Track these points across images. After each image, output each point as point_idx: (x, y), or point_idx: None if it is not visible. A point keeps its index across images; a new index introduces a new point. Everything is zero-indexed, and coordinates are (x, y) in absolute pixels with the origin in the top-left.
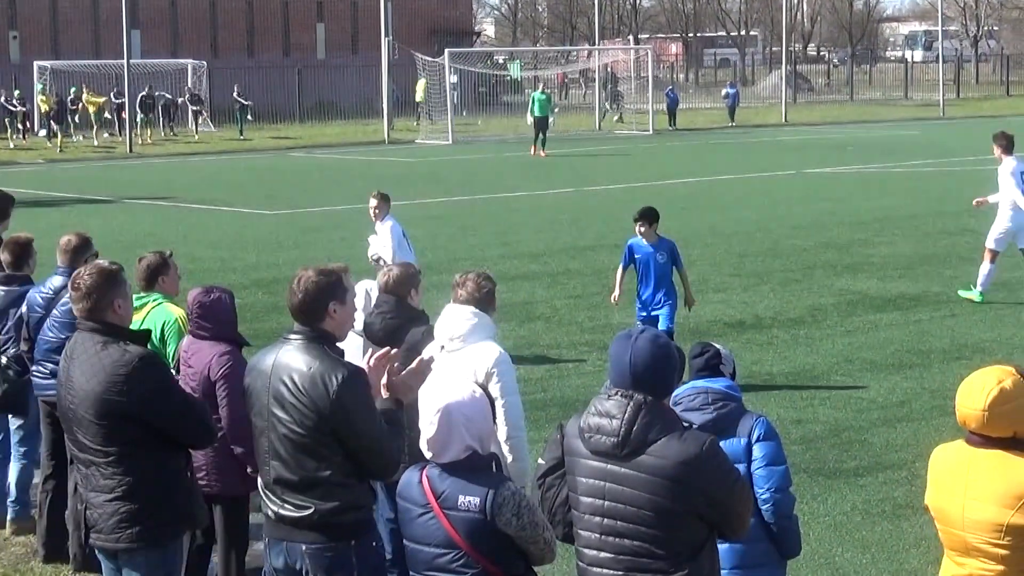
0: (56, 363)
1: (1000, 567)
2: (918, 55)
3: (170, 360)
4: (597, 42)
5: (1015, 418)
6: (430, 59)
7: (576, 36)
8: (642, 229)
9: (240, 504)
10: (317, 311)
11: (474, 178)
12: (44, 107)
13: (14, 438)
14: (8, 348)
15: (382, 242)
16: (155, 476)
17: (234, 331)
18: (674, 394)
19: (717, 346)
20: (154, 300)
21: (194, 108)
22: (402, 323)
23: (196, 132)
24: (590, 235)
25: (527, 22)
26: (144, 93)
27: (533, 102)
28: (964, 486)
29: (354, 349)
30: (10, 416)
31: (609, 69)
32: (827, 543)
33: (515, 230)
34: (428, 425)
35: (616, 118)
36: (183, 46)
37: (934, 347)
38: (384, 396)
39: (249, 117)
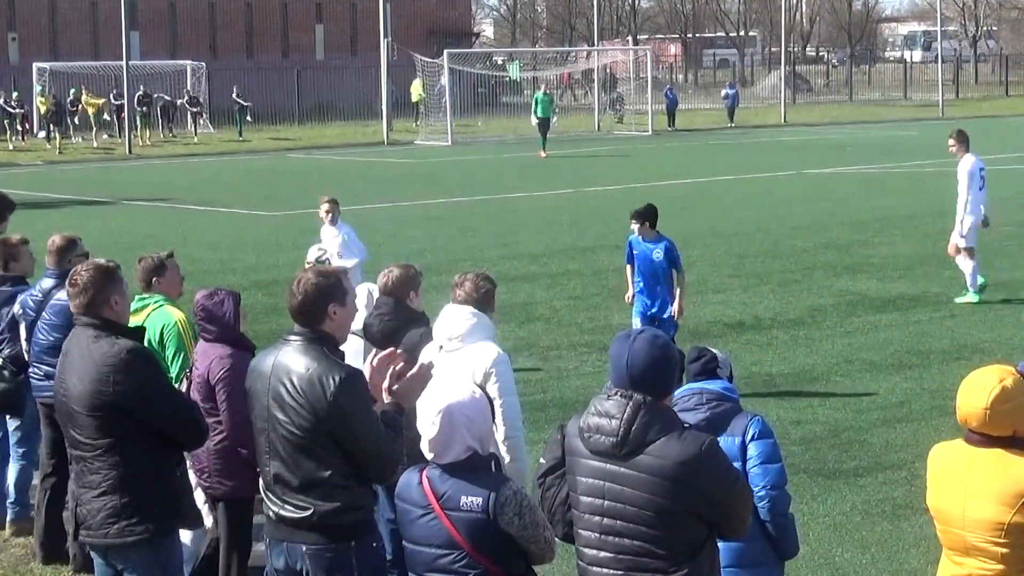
0: (50, 364)
1: (1000, 566)
2: (917, 55)
3: (170, 364)
4: (596, 43)
5: (1016, 416)
6: (429, 60)
7: (575, 37)
8: (635, 227)
9: (244, 505)
10: (317, 313)
11: (473, 179)
12: (43, 108)
13: (12, 439)
14: (3, 349)
15: (333, 244)
16: (143, 472)
17: (236, 333)
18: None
19: (714, 350)
20: (155, 302)
21: (193, 110)
22: (401, 325)
23: (195, 134)
24: (590, 236)
25: (526, 23)
26: (140, 93)
27: (536, 103)
28: (964, 485)
29: (354, 351)
30: (8, 417)
31: (608, 70)
32: (827, 543)
33: (515, 231)
34: (429, 426)
35: (617, 119)
36: (182, 47)
37: (934, 348)
38: (386, 400)
39: (248, 118)
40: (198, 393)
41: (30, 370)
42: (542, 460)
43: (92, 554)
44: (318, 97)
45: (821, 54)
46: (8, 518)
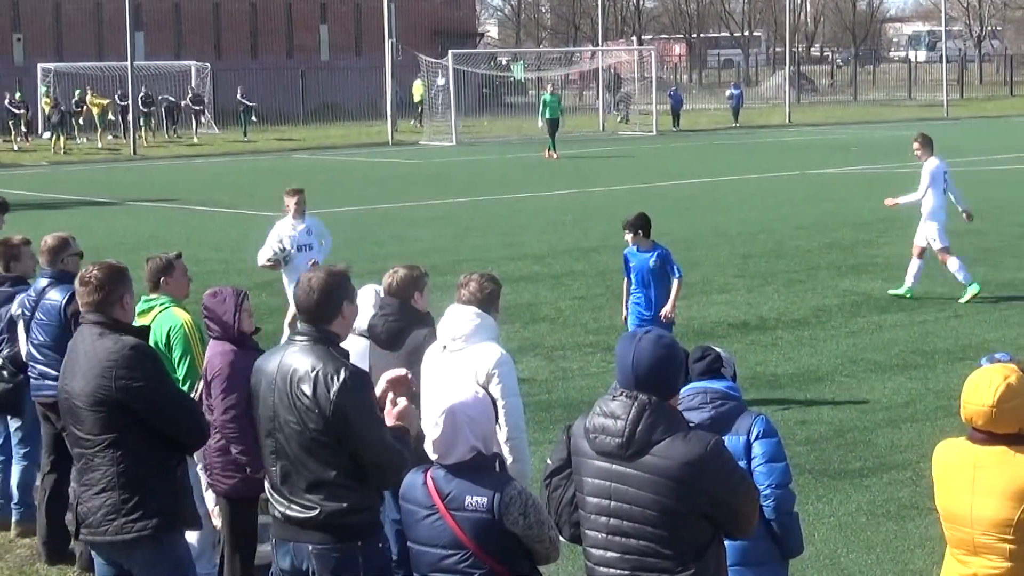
0: (44, 363)
1: (1008, 564)
2: (922, 55)
3: (176, 366)
4: (601, 43)
5: (1021, 413)
6: (433, 60)
7: (579, 37)
8: (629, 237)
9: (248, 504)
10: (332, 311)
11: (478, 179)
12: (47, 109)
13: (13, 440)
14: (2, 349)
15: (292, 237)
16: (144, 469)
17: (235, 332)
18: None
19: (717, 349)
20: (161, 304)
21: (196, 108)
22: (405, 325)
23: (195, 134)
24: (594, 236)
25: (530, 23)
26: (142, 93)
27: (544, 105)
28: (971, 483)
29: (359, 352)
30: (8, 418)
31: (613, 70)
32: (832, 544)
33: (519, 231)
34: (433, 427)
35: (620, 119)
36: (186, 48)
37: (938, 348)
38: (389, 424)
39: (253, 119)
40: (205, 392)
41: (28, 369)
42: (548, 461)
43: (93, 553)
44: (323, 97)
45: (825, 54)
46: (14, 519)
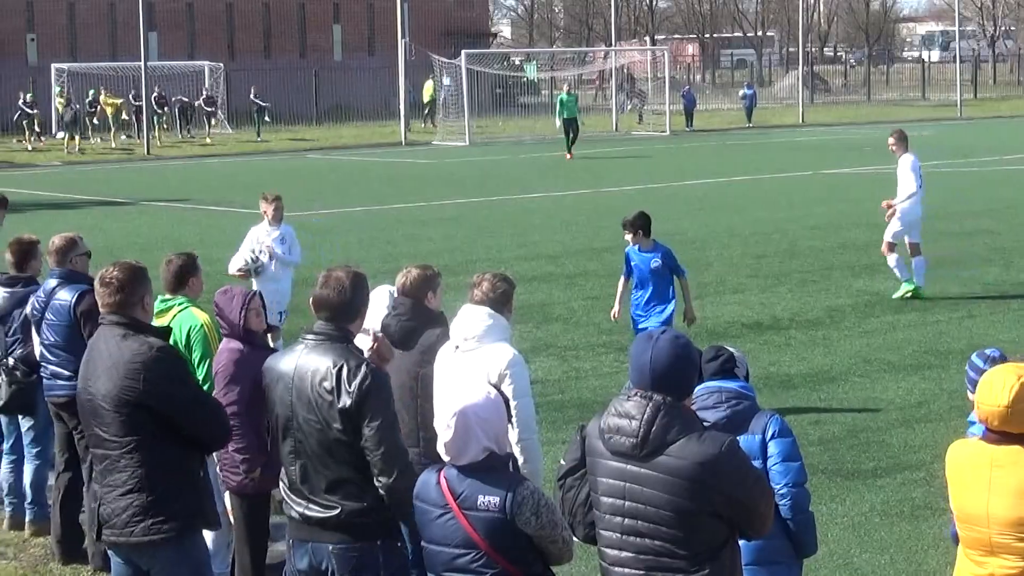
0: (56, 363)
1: None
2: (935, 55)
3: (196, 367)
4: (614, 43)
5: None
6: (446, 60)
7: (592, 37)
8: (628, 238)
9: (258, 501)
10: (357, 310)
11: (491, 179)
12: (61, 109)
13: (26, 439)
14: (15, 349)
15: (267, 244)
16: (168, 471)
17: (241, 330)
18: None
19: (731, 349)
20: (179, 304)
21: (208, 109)
22: (418, 325)
23: (208, 134)
24: (607, 236)
25: (543, 23)
26: (156, 94)
27: (560, 105)
28: (987, 483)
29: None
30: (21, 417)
31: (626, 70)
32: (845, 544)
33: (532, 231)
34: (445, 429)
35: (636, 119)
36: (200, 48)
37: (952, 348)
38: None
39: (266, 119)
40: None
41: (39, 370)
42: (562, 461)
43: (110, 553)
44: (336, 97)
45: (839, 54)
46: (27, 518)
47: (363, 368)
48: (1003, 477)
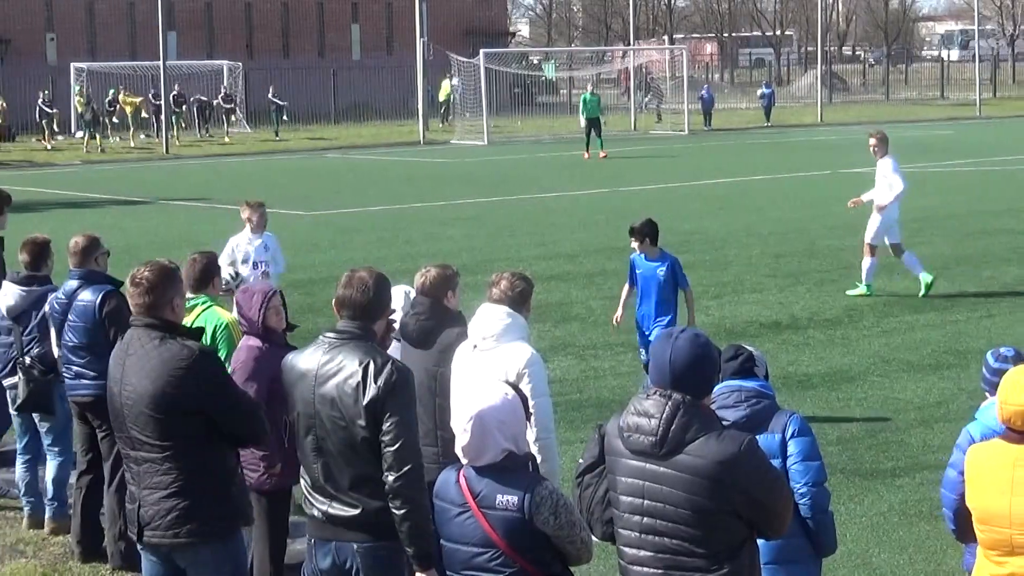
0: (80, 364)
1: None
2: (954, 54)
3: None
4: (632, 42)
5: None
6: (465, 60)
7: (611, 36)
8: (635, 245)
9: (279, 497)
10: (382, 309)
11: (510, 179)
12: (80, 109)
13: (46, 440)
14: (32, 348)
15: (249, 252)
16: (210, 472)
17: (259, 327)
18: None
19: (750, 348)
20: (203, 303)
21: (227, 106)
22: (437, 324)
23: (226, 134)
24: (626, 236)
25: (562, 22)
26: (175, 93)
27: (584, 104)
28: (1010, 483)
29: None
30: (37, 417)
31: (644, 69)
32: (864, 543)
33: (551, 231)
34: (462, 432)
35: (655, 119)
36: (219, 47)
37: (971, 348)
38: None
39: (284, 118)
40: None
41: (61, 370)
42: (580, 460)
43: (143, 554)
44: (354, 97)
45: (857, 53)
46: (47, 515)
47: (389, 364)
48: None
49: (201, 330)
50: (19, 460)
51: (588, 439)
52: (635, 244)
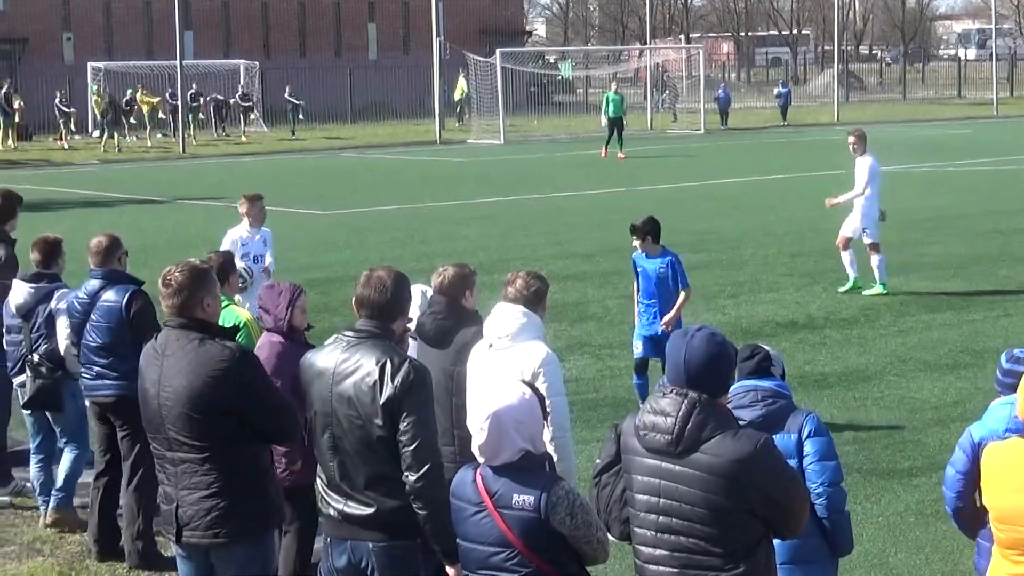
0: (102, 364)
1: None
2: (971, 53)
3: None
4: (648, 41)
5: None
6: (481, 59)
7: (627, 35)
8: (637, 243)
9: (300, 493)
10: (400, 309)
11: (526, 178)
12: (98, 108)
13: (60, 438)
14: (40, 345)
15: (249, 247)
16: (248, 471)
17: (284, 324)
18: None
19: (766, 348)
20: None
21: (244, 105)
22: (454, 324)
23: (243, 133)
24: None
25: (578, 21)
26: (192, 92)
27: (607, 103)
28: None
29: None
30: (49, 415)
31: (661, 68)
32: (881, 543)
33: (567, 230)
34: (478, 431)
35: (671, 118)
36: (235, 47)
37: (988, 347)
38: None
39: (301, 117)
40: None
41: (80, 370)
42: (597, 460)
43: (181, 552)
44: (371, 96)
45: (874, 52)
46: (50, 505)
47: (407, 364)
48: None
49: (236, 329)
50: (33, 459)
51: (604, 438)
52: (636, 243)
